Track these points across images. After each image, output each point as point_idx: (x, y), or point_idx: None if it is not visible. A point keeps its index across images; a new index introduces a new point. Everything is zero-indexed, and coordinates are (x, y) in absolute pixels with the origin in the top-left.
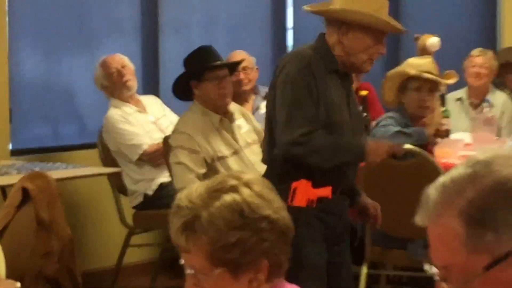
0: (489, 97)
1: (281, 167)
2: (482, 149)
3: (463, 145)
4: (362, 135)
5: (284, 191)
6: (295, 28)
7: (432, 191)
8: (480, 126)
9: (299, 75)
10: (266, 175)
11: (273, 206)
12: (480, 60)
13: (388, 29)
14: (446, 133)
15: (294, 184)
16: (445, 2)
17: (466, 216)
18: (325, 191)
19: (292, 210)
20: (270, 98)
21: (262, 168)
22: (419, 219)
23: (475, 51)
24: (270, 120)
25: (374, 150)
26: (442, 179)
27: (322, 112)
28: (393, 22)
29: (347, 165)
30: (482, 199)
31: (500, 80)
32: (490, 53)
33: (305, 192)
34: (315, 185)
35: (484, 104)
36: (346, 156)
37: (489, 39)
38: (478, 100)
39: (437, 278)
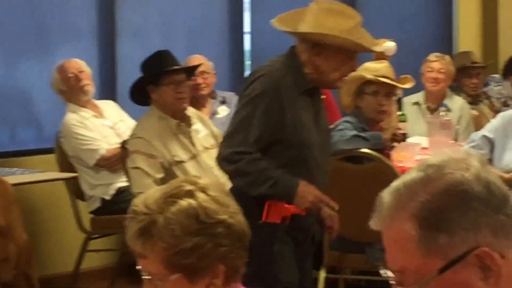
0: (446, 101)
1: None
2: (435, 153)
3: (420, 149)
4: (329, 152)
5: (258, 207)
6: (252, 32)
7: (386, 195)
8: (436, 130)
9: (262, 96)
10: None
11: (229, 211)
12: (437, 65)
13: (361, 50)
14: (402, 137)
15: (268, 201)
16: (401, 7)
17: (419, 220)
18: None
19: (266, 226)
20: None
21: (220, 172)
22: (374, 224)
23: (432, 56)
24: None
25: (302, 195)
26: (395, 183)
27: (290, 133)
28: (366, 38)
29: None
30: (435, 202)
31: (457, 85)
32: (447, 58)
33: (279, 208)
34: (289, 202)
35: (441, 108)
36: (270, 190)
37: (445, 43)
38: (435, 104)
39: (393, 282)
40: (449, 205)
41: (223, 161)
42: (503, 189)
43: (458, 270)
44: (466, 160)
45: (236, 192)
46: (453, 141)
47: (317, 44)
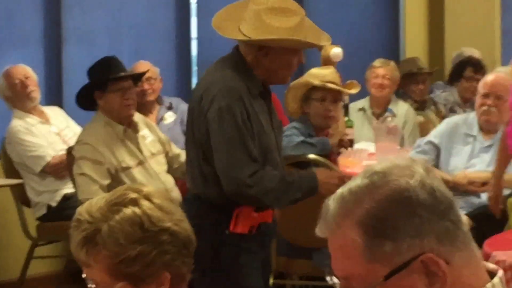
0: (391, 107)
1: (221, 198)
2: (380, 160)
3: (366, 155)
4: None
5: (225, 217)
6: (199, 38)
7: (331, 202)
8: (383, 135)
9: (232, 111)
10: (199, 205)
11: (174, 218)
12: (382, 71)
13: (309, 47)
14: (349, 143)
15: (236, 210)
16: (348, 13)
17: (364, 227)
18: (266, 216)
19: (234, 237)
20: (197, 127)
21: (167, 178)
22: (319, 231)
23: (377, 62)
24: (201, 149)
25: (325, 182)
26: (340, 190)
27: (260, 141)
28: (313, 32)
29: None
30: (380, 209)
31: (403, 91)
32: (392, 64)
33: (247, 218)
34: (257, 209)
35: (387, 114)
36: (297, 194)
37: (392, 49)
38: (380, 110)
39: None
40: (394, 212)
41: (244, 188)
42: (448, 195)
43: (403, 276)
44: (411, 167)
45: (202, 204)
46: (400, 147)
47: (263, 46)
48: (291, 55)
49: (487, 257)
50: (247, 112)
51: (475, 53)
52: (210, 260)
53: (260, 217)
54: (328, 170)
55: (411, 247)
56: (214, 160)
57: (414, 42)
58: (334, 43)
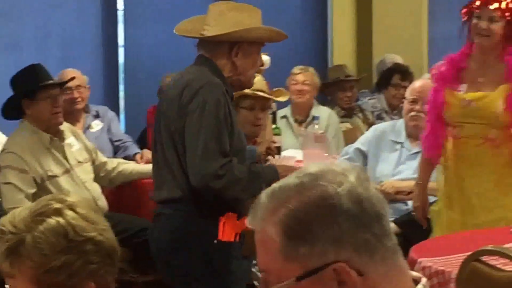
0: (314, 112)
1: (203, 202)
2: (315, 163)
3: (294, 162)
4: None
5: (212, 226)
6: (126, 45)
7: (264, 196)
8: (310, 143)
9: (217, 105)
10: (183, 216)
11: (98, 228)
12: (301, 77)
13: (277, 39)
14: (276, 151)
15: (222, 219)
16: (276, 20)
17: (284, 227)
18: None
19: (223, 245)
20: (176, 125)
21: (94, 187)
22: (249, 222)
23: (296, 69)
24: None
25: (283, 178)
26: (274, 185)
27: (236, 141)
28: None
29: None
30: (302, 212)
31: (331, 98)
32: (311, 70)
33: (233, 225)
34: (239, 217)
35: (314, 122)
36: (262, 184)
37: (320, 57)
38: (302, 116)
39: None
40: (315, 217)
41: (213, 178)
42: (377, 207)
43: (315, 281)
44: (344, 173)
45: (187, 215)
46: (327, 154)
47: (234, 44)
48: (257, 53)
49: (413, 264)
50: (229, 108)
51: (398, 59)
52: (202, 269)
53: (241, 224)
54: (286, 165)
55: (325, 253)
56: (187, 150)
57: (341, 50)
58: (262, 50)
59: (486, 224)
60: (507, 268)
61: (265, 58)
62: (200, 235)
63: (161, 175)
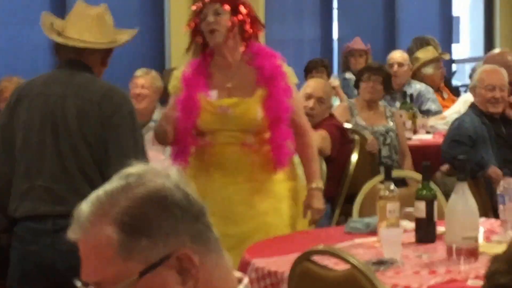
0: (155, 116)
1: None
2: (135, 165)
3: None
4: None
5: None
6: None
7: (85, 205)
8: (149, 145)
9: (133, 113)
10: None
11: None
12: (141, 81)
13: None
14: None
15: None
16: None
17: (120, 224)
18: None
19: None
20: (91, 133)
21: None
22: (72, 233)
23: (138, 72)
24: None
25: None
26: (95, 193)
27: None
28: None
29: None
30: (136, 208)
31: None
32: (152, 73)
33: None
34: None
35: (150, 124)
36: None
37: (156, 60)
38: (144, 120)
39: None
40: (149, 210)
41: None
42: (200, 202)
43: (158, 273)
44: (166, 171)
45: None
46: (164, 157)
47: (109, 51)
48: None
49: (246, 265)
50: None
51: None
52: None
53: None
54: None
55: (166, 244)
56: (119, 159)
57: (179, 53)
58: None
59: (250, 232)
60: (338, 267)
61: None
62: None
63: (59, 188)
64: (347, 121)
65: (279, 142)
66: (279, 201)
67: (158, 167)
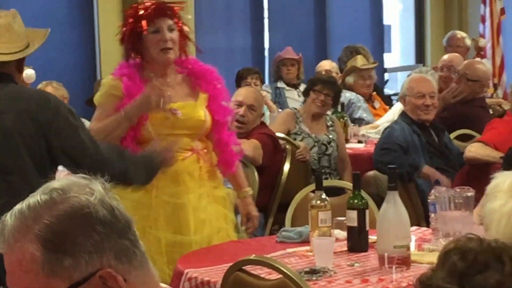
0: None
1: None
2: (58, 178)
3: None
4: None
5: None
6: None
7: (9, 218)
8: None
9: (71, 109)
10: None
11: None
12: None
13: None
14: None
15: None
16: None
17: (43, 242)
18: None
19: None
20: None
21: None
22: None
23: (40, 84)
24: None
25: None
26: (18, 205)
27: None
28: None
29: None
30: (59, 225)
31: None
32: (53, 84)
33: None
34: None
35: None
36: None
37: (88, 70)
38: None
39: None
40: (73, 228)
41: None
42: (126, 215)
43: None
44: (89, 185)
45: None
46: None
47: (23, 60)
48: None
49: (180, 275)
50: None
51: None
52: None
53: None
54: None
55: (89, 262)
56: (81, 155)
57: (109, 62)
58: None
59: (205, 239)
60: (271, 277)
61: (30, 72)
62: None
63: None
64: (291, 127)
65: (227, 147)
66: (225, 206)
67: (83, 180)
